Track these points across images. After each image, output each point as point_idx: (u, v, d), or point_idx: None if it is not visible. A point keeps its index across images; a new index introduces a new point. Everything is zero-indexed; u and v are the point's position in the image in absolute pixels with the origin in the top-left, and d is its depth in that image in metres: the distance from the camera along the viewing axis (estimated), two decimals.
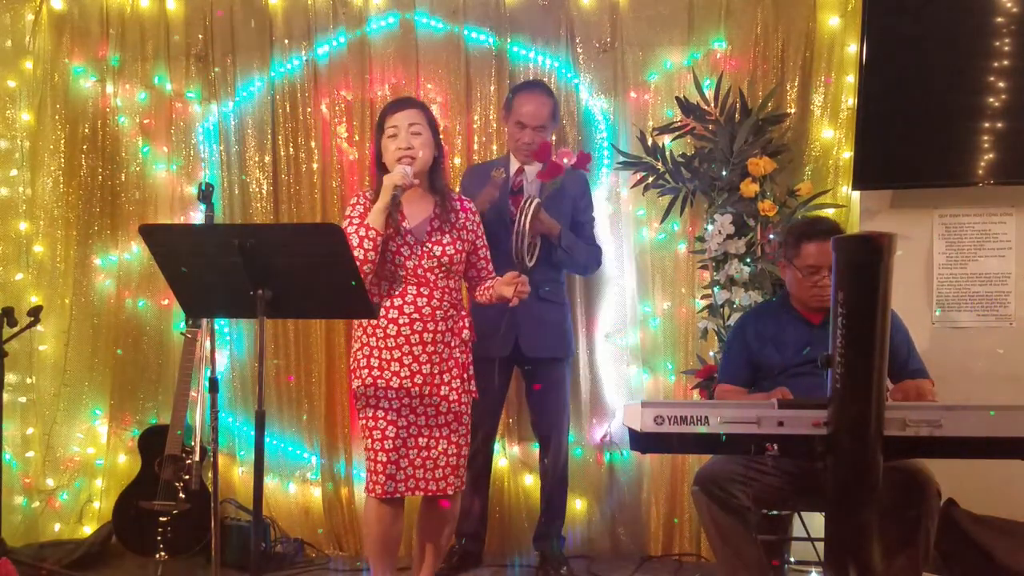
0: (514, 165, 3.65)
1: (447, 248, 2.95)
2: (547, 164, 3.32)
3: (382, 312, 2.93)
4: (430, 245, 2.94)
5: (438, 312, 2.94)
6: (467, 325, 3.03)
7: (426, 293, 2.94)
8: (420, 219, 2.98)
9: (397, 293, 2.94)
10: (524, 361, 3.64)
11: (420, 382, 2.93)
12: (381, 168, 2.99)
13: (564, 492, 3.77)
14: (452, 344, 2.99)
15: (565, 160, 3.37)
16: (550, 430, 3.69)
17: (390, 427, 2.90)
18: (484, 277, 3.09)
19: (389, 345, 2.93)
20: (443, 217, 2.98)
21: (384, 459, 2.89)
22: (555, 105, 3.71)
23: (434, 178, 3.00)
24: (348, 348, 3.80)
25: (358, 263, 2.70)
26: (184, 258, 2.55)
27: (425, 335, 2.93)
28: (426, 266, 2.93)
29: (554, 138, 3.86)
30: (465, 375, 3.02)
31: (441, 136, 3.11)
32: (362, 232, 2.86)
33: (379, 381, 2.92)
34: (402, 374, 2.92)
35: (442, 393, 2.95)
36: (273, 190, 4.14)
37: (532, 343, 3.57)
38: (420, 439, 2.94)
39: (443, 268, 2.95)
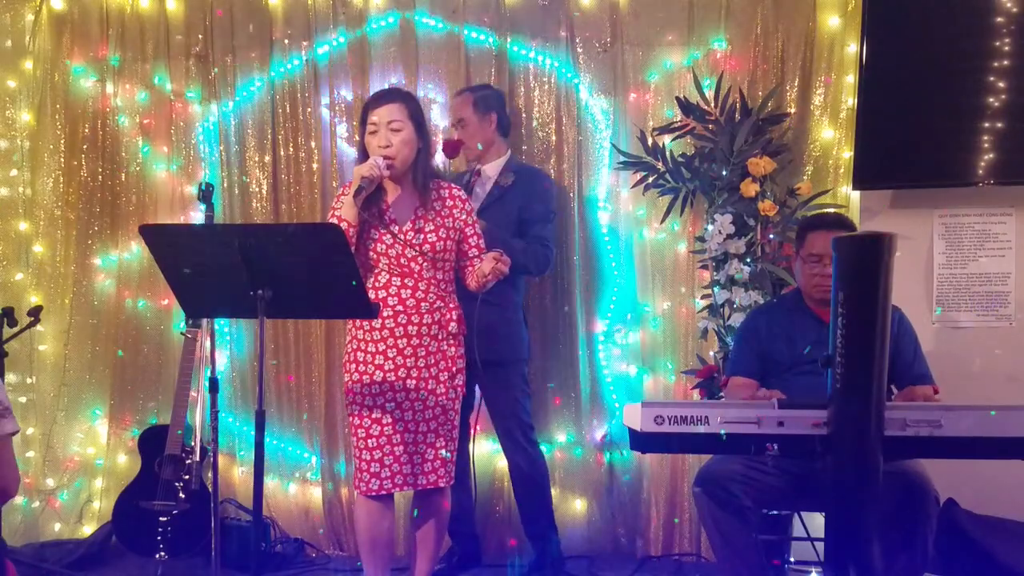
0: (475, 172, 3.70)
1: (429, 236, 2.92)
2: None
3: None
4: (412, 234, 2.92)
5: (423, 304, 2.92)
6: (455, 318, 3.00)
7: (410, 284, 2.92)
8: (404, 209, 2.96)
9: (381, 285, 2.92)
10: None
11: (404, 375, 2.91)
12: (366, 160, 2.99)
13: (540, 492, 3.68)
14: (440, 337, 2.96)
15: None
16: (501, 434, 3.65)
17: (375, 425, 2.90)
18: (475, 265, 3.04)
19: (375, 338, 2.92)
20: (427, 206, 2.96)
21: (368, 456, 2.89)
22: (476, 98, 3.69)
23: (417, 169, 2.97)
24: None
25: None
26: (184, 258, 2.56)
27: (410, 327, 2.91)
28: (409, 256, 2.91)
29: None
30: (454, 369, 2.99)
31: (428, 125, 3.10)
32: (333, 223, 2.84)
33: (364, 377, 2.91)
34: (386, 367, 2.91)
35: (429, 387, 2.94)
36: (273, 190, 4.14)
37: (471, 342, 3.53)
38: (407, 434, 2.92)
39: (427, 258, 2.92)
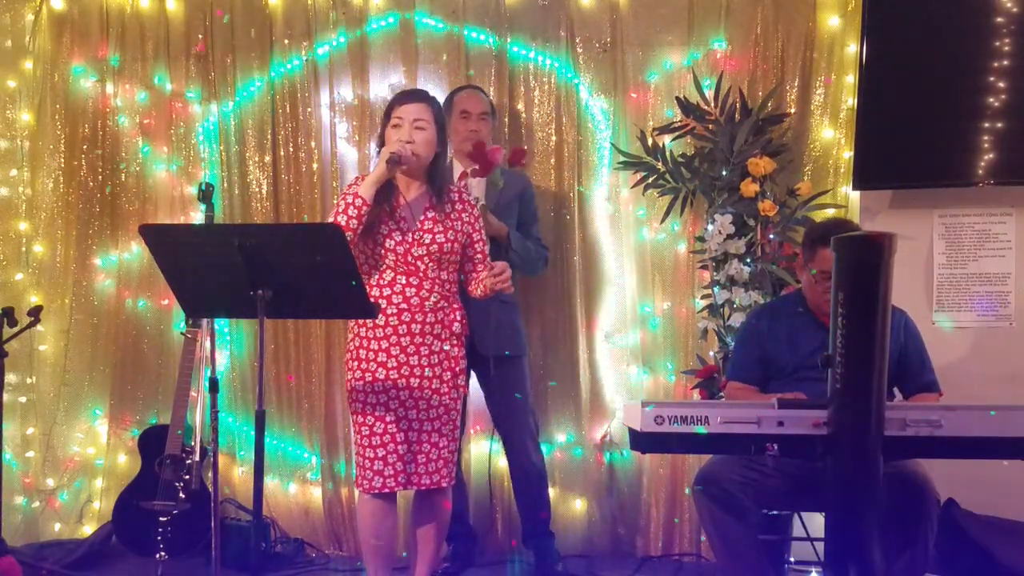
0: (457, 170, 3.63)
1: (438, 236, 2.93)
2: (482, 161, 3.36)
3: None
4: (421, 232, 2.93)
5: (427, 303, 2.93)
6: (459, 318, 3.01)
7: (415, 283, 2.92)
8: (416, 209, 2.97)
9: (387, 282, 2.93)
10: (478, 360, 3.58)
11: (407, 373, 2.91)
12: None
13: (541, 489, 3.68)
14: (443, 337, 2.97)
15: (500, 155, 3.43)
16: (511, 428, 3.64)
17: (378, 423, 2.90)
18: (480, 272, 3.05)
19: (378, 335, 2.92)
20: (439, 208, 2.97)
21: (372, 455, 2.89)
22: (488, 101, 3.74)
23: (433, 173, 2.99)
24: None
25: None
26: (184, 258, 2.56)
27: (413, 326, 2.92)
28: (416, 254, 2.91)
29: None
30: (456, 368, 3.00)
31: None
32: (348, 199, 2.86)
33: (368, 375, 2.91)
34: (389, 365, 2.91)
35: (432, 386, 2.94)
36: (273, 190, 4.14)
37: (485, 340, 3.48)
38: (411, 432, 2.93)
39: (434, 257, 2.93)
